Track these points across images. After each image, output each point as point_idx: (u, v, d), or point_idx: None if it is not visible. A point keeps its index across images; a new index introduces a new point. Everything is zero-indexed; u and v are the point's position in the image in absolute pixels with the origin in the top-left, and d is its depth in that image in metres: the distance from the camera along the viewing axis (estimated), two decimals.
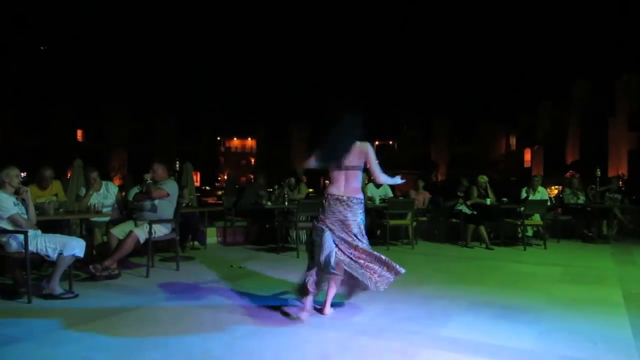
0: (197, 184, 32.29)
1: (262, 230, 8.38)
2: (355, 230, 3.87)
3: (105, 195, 6.16)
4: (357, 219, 3.88)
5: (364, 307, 4.18)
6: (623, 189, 15.58)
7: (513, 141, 41.10)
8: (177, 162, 8.85)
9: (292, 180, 9.16)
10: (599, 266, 6.56)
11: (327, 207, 3.89)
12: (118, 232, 5.44)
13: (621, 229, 9.64)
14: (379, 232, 8.52)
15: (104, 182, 6.18)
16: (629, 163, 27.66)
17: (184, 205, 7.06)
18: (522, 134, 38.29)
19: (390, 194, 8.72)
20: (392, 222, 7.92)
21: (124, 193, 7.54)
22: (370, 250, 3.89)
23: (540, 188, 8.76)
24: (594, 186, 9.43)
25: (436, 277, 5.60)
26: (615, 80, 31.74)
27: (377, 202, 8.37)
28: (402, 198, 9.08)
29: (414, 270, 6.00)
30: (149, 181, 5.65)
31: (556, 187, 17.15)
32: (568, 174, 22.62)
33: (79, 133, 39.08)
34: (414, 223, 8.36)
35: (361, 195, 3.96)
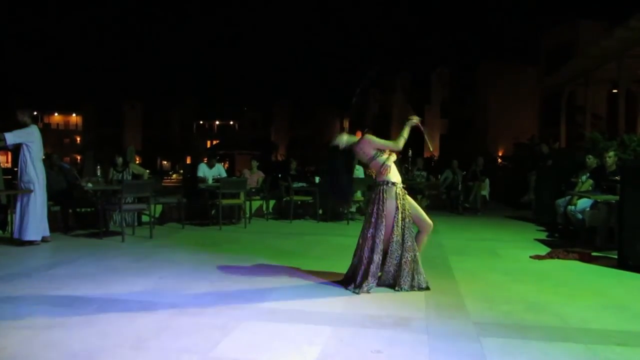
0: (8, 164, 28.50)
1: (80, 215, 7.70)
2: None
3: None
4: None
5: (190, 287, 4.15)
6: (434, 166, 17.85)
7: (347, 124, 44.07)
8: None
9: (120, 159, 8.54)
10: None
11: None
12: None
13: (433, 202, 11.06)
14: (213, 212, 8.45)
15: None
16: (440, 145, 31.74)
17: None
18: (354, 118, 41.29)
19: (224, 174, 8.67)
20: (225, 201, 7.91)
21: None
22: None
23: (359, 167, 9.57)
24: (407, 165, 10.62)
25: (264, 253, 5.77)
26: (431, 73, 35.97)
27: (210, 182, 8.27)
28: (235, 178, 9.14)
29: (243, 249, 6.15)
30: None
31: None
32: None
33: None
34: (247, 202, 8.47)
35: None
